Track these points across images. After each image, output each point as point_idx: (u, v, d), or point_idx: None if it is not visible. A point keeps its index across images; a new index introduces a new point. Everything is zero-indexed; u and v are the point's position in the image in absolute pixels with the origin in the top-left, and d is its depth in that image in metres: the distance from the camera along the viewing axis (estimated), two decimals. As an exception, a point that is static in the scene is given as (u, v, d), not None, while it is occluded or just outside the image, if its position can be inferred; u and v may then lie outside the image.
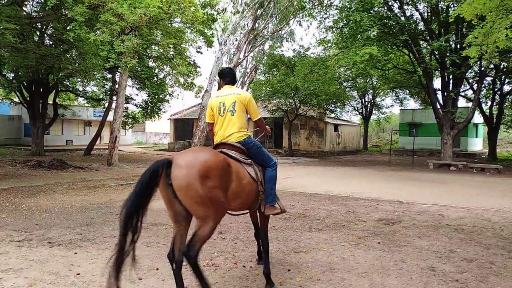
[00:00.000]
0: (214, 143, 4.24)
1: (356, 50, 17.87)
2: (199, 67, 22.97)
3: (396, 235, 6.45)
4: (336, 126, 32.69)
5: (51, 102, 24.00)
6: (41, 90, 21.64)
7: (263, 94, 29.30)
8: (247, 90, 34.25)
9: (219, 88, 22.28)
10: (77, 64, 15.67)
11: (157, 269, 4.53)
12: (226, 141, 4.09)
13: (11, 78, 21.45)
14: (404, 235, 6.43)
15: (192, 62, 21.34)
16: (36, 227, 6.38)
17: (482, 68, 21.39)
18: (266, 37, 27.62)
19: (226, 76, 4.46)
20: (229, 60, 33.23)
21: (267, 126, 4.78)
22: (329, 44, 24.61)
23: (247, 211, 4.34)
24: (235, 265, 4.76)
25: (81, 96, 28.70)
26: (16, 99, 24.16)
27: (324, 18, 23.64)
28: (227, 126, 4.17)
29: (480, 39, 9.07)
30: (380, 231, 6.71)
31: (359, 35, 19.52)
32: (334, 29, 23.06)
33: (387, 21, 19.19)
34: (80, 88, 27.19)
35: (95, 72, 16.02)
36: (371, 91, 40.11)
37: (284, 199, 9.84)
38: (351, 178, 15.49)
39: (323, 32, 24.66)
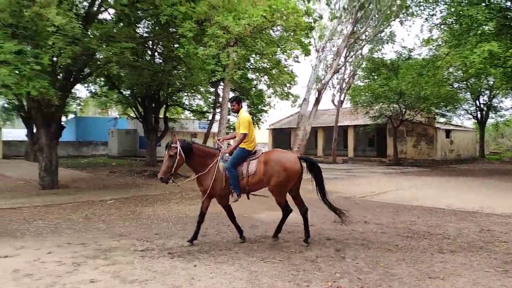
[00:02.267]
0: (253, 148, 6.24)
1: (471, 47, 15.99)
2: (296, 76, 22.82)
3: (555, 262, 5.30)
4: (448, 132, 29.84)
5: (161, 116, 25.86)
6: (153, 105, 23.41)
7: (362, 100, 28.06)
8: (344, 96, 33.18)
9: (317, 99, 21.98)
10: (184, 79, 16.58)
11: (279, 289, 4.24)
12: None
13: (128, 95, 23.63)
14: None
15: (290, 71, 21.22)
16: (156, 237, 6.59)
17: None
18: (367, 40, 26.42)
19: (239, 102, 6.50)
20: (325, 67, 32.64)
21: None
22: (437, 43, 22.59)
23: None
24: (363, 290, 4.26)
25: (187, 110, 30.49)
26: (132, 114, 26.52)
27: (431, 15, 21.81)
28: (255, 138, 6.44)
29: None
30: (531, 255, 5.60)
31: (472, 32, 17.48)
32: (442, 26, 21.11)
33: (507, 12, 16.89)
34: (186, 102, 28.92)
35: (201, 86, 16.76)
36: (487, 92, 35.91)
37: (401, 214, 8.98)
38: (473, 190, 13.74)
39: (429, 31, 22.73)
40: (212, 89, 26.00)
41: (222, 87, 23.49)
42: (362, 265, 5.12)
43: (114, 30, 10.01)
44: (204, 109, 28.84)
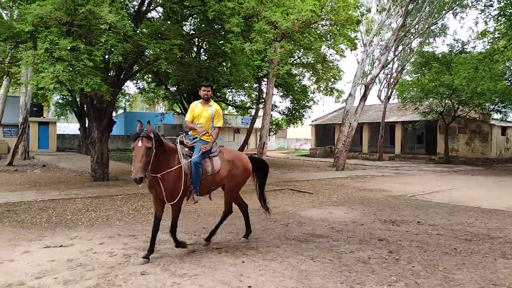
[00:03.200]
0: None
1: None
2: (342, 71, 22.33)
3: None
4: (503, 129, 28.08)
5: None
6: (198, 101, 23.79)
7: (411, 95, 26.97)
8: (391, 92, 32.04)
9: (365, 94, 21.33)
10: (228, 76, 16.68)
11: (331, 290, 4.09)
12: None
13: (174, 91, 24.16)
14: None
15: (335, 67, 20.77)
16: (203, 231, 6.62)
17: None
18: (418, 33, 25.31)
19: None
20: (371, 62, 31.68)
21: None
22: (494, 36, 21.19)
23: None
24: (422, 295, 4.00)
25: (231, 105, 30.73)
26: (178, 110, 27.10)
27: (488, 6, 20.51)
28: None
29: None
30: None
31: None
32: (500, 18, 19.78)
33: None
34: (230, 98, 29.14)
35: (246, 82, 16.79)
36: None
37: (456, 215, 8.49)
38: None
39: (485, 23, 21.38)
40: (255, 85, 26.03)
41: (265, 83, 23.46)
42: (419, 268, 4.84)
43: (163, 28, 10.17)
44: (247, 105, 28.94)
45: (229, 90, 26.26)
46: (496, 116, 29.24)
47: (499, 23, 20.32)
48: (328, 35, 11.57)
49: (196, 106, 5.65)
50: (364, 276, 4.50)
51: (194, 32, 15.56)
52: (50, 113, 35.33)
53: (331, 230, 6.79)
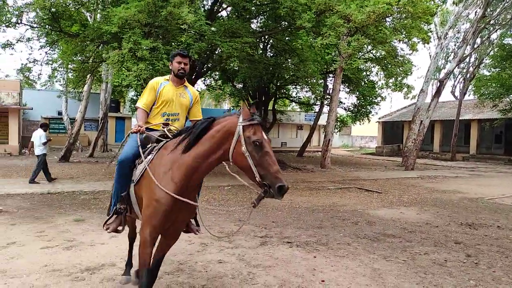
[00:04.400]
0: None
1: None
2: (414, 65, 21.40)
3: None
4: None
5: (270, 108, 26.53)
6: (263, 98, 24.13)
7: (489, 91, 25.11)
8: (467, 87, 29.98)
9: (439, 89, 20.26)
10: (294, 71, 16.71)
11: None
12: None
13: (240, 88, 24.70)
14: None
15: (408, 61, 19.93)
16: (273, 224, 6.80)
17: None
18: (499, 24, 23.45)
19: None
20: (445, 56, 29.88)
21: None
22: None
23: None
24: (505, 303, 3.83)
25: (295, 102, 30.73)
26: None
27: None
28: None
29: None
30: None
31: None
32: None
33: None
34: (294, 94, 29.16)
35: (314, 78, 16.74)
36: None
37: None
38: None
39: None
40: (321, 81, 25.82)
41: (331, 78, 23.18)
42: (500, 274, 4.61)
43: (235, 26, 10.49)
44: (311, 101, 28.75)
45: (294, 86, 26.28)
46: None
47: None
48: (402, 28, 11.16)
49: (163, 87, 3.58)
50: (441, 279, 4.39)
51: (262, 30, 15.80)
52: (125, 109, 37.74)
53: (403, 231, 6.63)
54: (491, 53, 28.24)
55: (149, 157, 3.18)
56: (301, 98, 29.54)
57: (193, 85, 15.15)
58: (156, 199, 2.90)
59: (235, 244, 5.54)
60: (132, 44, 8.48)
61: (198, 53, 9.38)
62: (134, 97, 32.43)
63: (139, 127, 3.41)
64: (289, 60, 17.71)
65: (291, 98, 29.49)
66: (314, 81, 18.27)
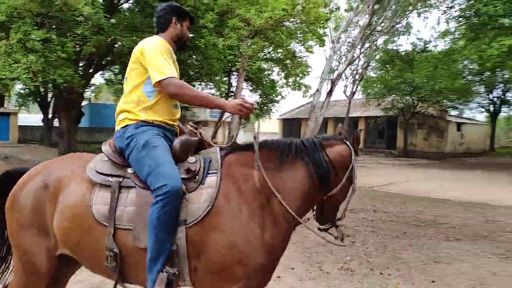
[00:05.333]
0: None
1: (490, 41, 16.00)
2: (310, 67, 22.99)
3: (556, 251, 5.59)
4: (458, 125, 29.83)
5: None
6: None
7: (375, 92, 28.14)
8: (356, 87, 33.17)
9: (331, 89, 22.22)
10: (197, 69, 16.88)
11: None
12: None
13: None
14: None
15: (304, 62, 21.41)
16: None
17: None
18: (383, 31, 26.36)
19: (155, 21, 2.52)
20: (339, 58, 32.57)
21: (231, 101, 2.25)
22: (454, 36, 22.49)
23: None
24: (372, 272, 4.60)
25: (199, 98, 30.76)
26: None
27: (450, 7, 21.72)
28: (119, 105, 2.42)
29: None
30: (533, 245, 5.90)
31: (490, 25, 17.44)
32: (460, 19, 21.04)
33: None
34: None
35: (218, 75, 17.09)
36: (501, 85, 35.59)
37: (409, 204, 9.28)
38: (482, 183, 13.96)
39: (447, 23, 22.68)
40: (225, 79, 26.37)
41: (235, 76, 23.82)
42: (371, 250, 5.46)
43: (137, 21, 10.34)
44: (216, 98, 29.08)
45: (199, 83, 26.39)
46: (453, 112, 31.00)
47: (459, 24, 21.56)
48: (298, 32, 12.06)
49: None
50: (324, 257, 5.06)
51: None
52: (10, 103, 34.11)
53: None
54: (377, 57, 31.60)
55: (214, 179, 2.09)
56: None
57: (90, 79, 14.59)
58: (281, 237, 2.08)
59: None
60: (22, 35, 7.91)
61: (96, 46, 9.09)
62: (22, 91, 29.53)
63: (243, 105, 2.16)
64: (194, 57, 17.81)
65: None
66: (218, 78, 18.64)
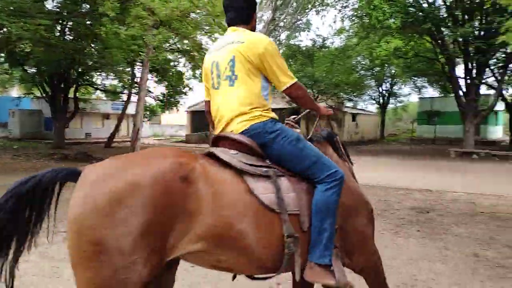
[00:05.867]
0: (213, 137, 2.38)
1: (379, 40, 17.71)
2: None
3: (433, 223, 6.50)
4: (354, 116, 32.56)
5: (71, 96, 24.37)
6: (62, 85, 21.99)
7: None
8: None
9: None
10: (101, 58, 15.90)
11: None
12: (224, 134, 2.26)
13: (33, 73, 21.85)
14: (441, 223, 6.48)
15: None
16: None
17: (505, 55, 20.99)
18: (286, 27, 27.52)
19: (228, 10, 2.46)
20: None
21: (321, 104, 2.72)
22: (348, 34, 24.44)
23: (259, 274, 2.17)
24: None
25: (100, 90, 29.04)
26: (38, 94, 24.60)
27: (344, 7, 23.48)
28: (224, 105, 2.30)
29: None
30: (416, 219, 6.77)
31: (379, 25, 19.30)
32: (353, 18, 22.89)
33: (411, 9, 18.89)
34: (99, 82, 27.53)
35: (120, 66, 16.26)
36: (389, 79, 39.73)
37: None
38: (374, 167, 15.51)
39: (342, 21, 24.55)
40: (128, 69, 25.18)
41: (139, 67, 22.86)
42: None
43: (26, 5, 9.33)
44: (119, 90, 27.74)
45: (99, 73, 24.82)
46: (348, 104, 33.74)
47: (353, 23, 23.42)
48: (204, 24, 12.03)
49: None
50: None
51: (60, 11, 14.37)
52: None
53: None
54: (280, 51, 32.87)
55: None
56: (106, 86, 28.11)
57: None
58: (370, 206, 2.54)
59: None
60: None
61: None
62: None
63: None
64: (92, 46, 16.69)
65: (96, 86, 27.75)
66: (121, 69, 17.76)
